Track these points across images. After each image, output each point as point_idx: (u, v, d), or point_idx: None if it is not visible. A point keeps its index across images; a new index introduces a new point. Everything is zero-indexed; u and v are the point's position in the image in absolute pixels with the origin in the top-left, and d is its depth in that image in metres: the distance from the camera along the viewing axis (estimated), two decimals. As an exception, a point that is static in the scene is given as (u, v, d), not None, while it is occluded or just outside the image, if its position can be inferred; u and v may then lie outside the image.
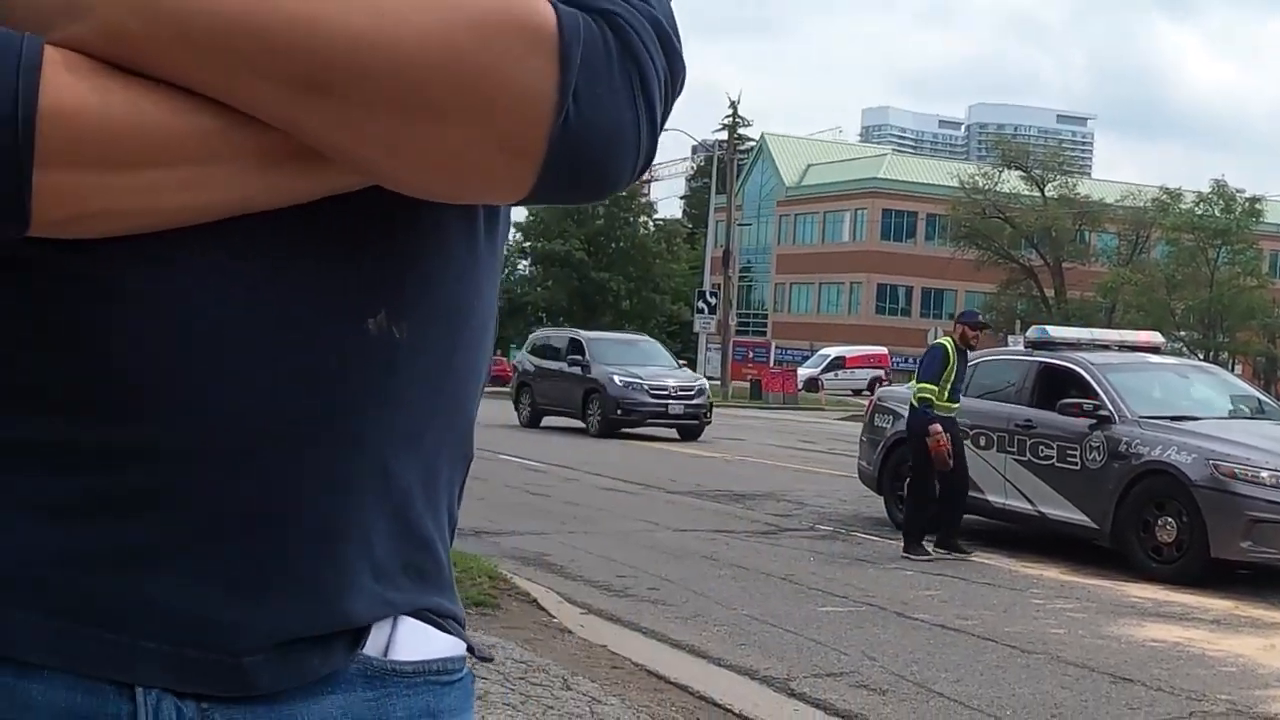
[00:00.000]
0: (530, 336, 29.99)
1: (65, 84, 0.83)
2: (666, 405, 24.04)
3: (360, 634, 1.04)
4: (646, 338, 29.41)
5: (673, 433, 24.42)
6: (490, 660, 1.15)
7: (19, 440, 0.92)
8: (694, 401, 24.34)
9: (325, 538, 0.99)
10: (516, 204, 0.99)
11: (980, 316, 12.73)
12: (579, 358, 24.93)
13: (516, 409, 26.61)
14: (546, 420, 25.96)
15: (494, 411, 23.65)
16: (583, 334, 27.09)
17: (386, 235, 0.98)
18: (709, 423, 24.90)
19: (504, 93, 0.87)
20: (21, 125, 0.81)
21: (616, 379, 24.07)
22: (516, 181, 0.91)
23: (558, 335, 28.02)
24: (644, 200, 67.67)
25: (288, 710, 1.00)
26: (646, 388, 24.00)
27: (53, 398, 0.92)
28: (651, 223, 68.33)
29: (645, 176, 1.17)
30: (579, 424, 24.83)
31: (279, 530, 0.97)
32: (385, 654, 1.05)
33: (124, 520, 0.93)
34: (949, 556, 11.12)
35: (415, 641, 1.07)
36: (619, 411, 23.95)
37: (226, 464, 0.94)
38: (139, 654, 0.95)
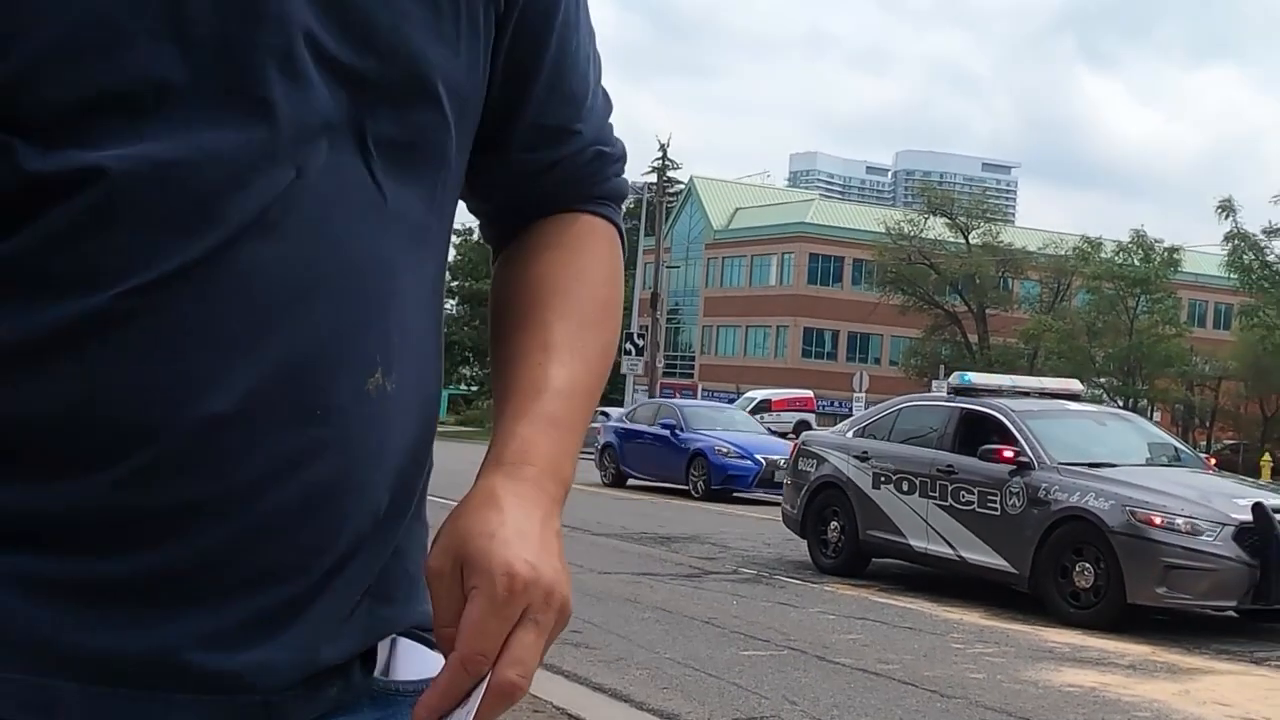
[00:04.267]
0: None
1: None
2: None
3: (369, 657, 1.07)
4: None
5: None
6: None
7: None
8: None
9: (339, 566, 1.01)
10: None
11: None
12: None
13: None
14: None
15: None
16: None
17: (388, 297, 1.03)
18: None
19: None
20: None
21: None
22: None
23: None
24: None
25: None
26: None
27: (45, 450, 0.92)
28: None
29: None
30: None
31: (312, 575, 0.99)
32: (387, 674, 1.09)
33: (146, 566, 0.94)
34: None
35: (413, 661, 1.11)
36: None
37: (246, 511, 0.96)
38: (168, 707, 0.95)
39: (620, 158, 1.26)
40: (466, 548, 0.98)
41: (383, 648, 1.09)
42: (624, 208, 1.29)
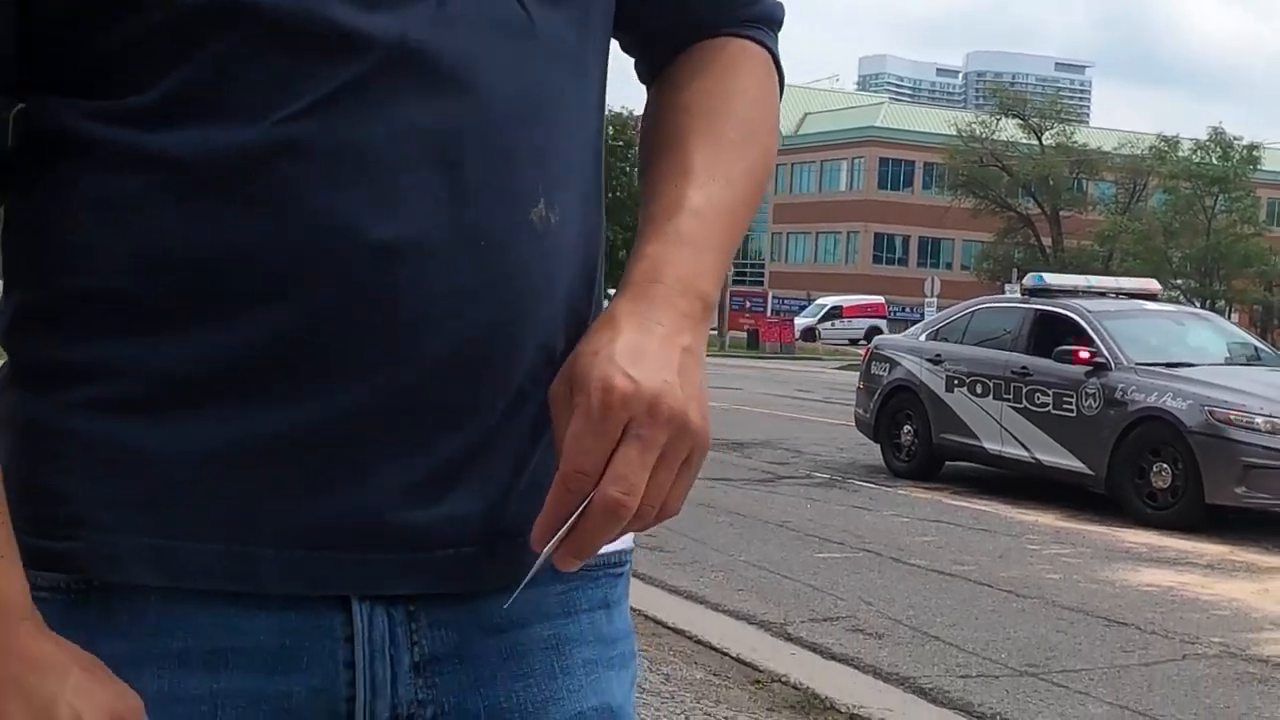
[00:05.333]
0: None
1: None
2: None
3: None
4: None
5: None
6: (630, 549, 1.18)
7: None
8: None
9: (515, 407, 1.00)
10: None
11: None
12: None
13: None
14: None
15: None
16: None
17: (545, 126, 1.01)
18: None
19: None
20: None
21: None
22: None
23: None
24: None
25: (490, 608, 1.02)
26: None
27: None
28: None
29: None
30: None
31: (488, 419, 0.98)
32: None
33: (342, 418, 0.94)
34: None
35: None
36: None
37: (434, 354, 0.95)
38: (366, 567, 0.96)
39: None
40: (574, 366, 0.95)
41: None
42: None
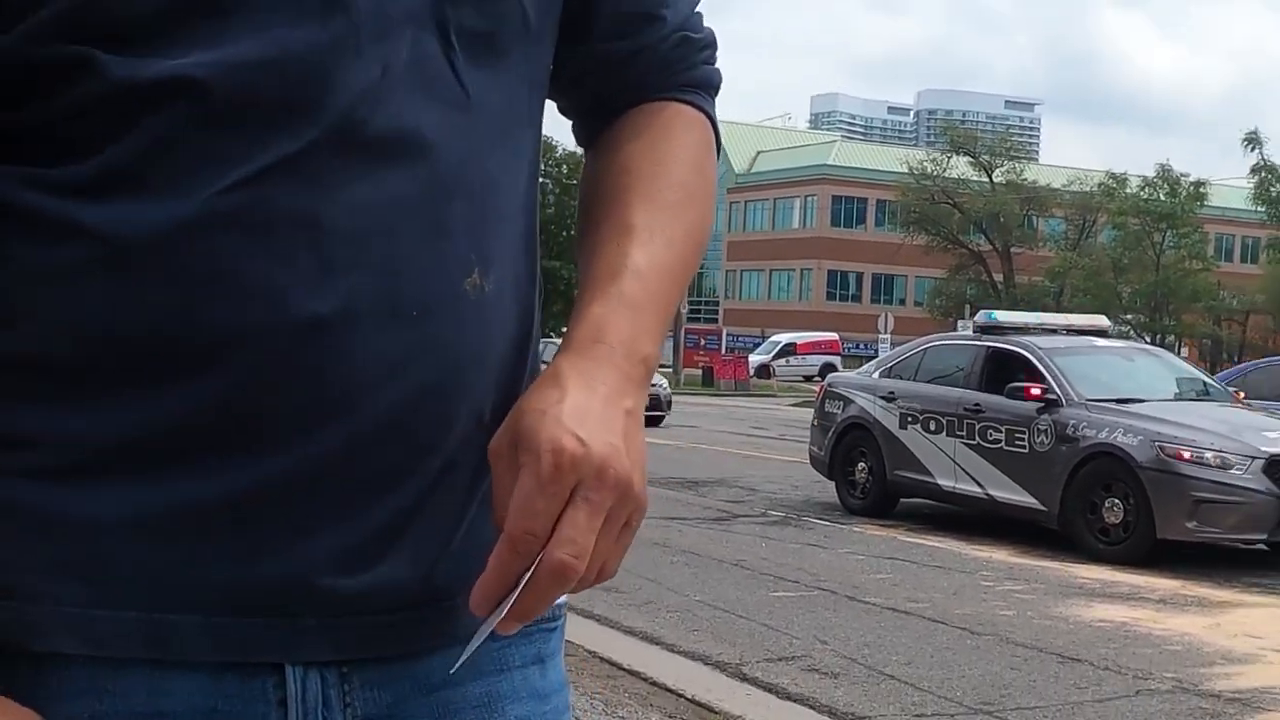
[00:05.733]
0: None
1: None
2: None
3: None
4: None
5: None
6: (565, 603, 1.18)
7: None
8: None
9: (448, 470, 1.00)
10: None
11: None
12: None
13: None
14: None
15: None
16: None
17: (480, 195, 1.02)
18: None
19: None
20: None
21: None
22: None
23: None
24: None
25: (423, 667, 1.02)
26: None
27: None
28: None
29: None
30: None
31: (420, 484, 0.98)
32: None
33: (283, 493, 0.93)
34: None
35: None
36: None
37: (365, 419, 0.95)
38: (296, 634, 0.96)
39: (708, 45, 1.23)
40: (519, 423, 0.94)
41: None
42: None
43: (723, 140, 1.26)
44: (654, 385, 24.20)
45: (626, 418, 0.97)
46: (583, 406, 0.94)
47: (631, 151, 1.15)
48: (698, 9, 1.23)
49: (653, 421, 24.49)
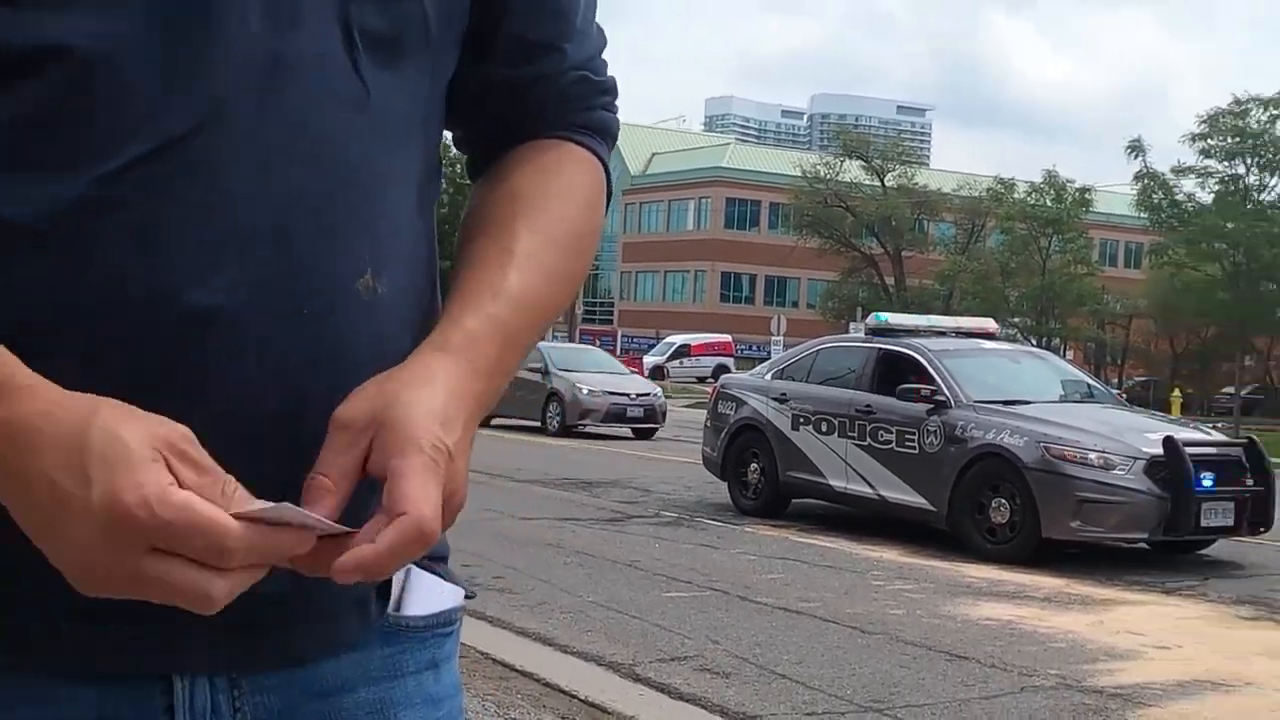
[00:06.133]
0: None
1: None
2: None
3: (384, 590, 1.06)
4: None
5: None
6: (474, 597, 1.17)
7: None
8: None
9: (360, 495, 0.97)
10: None
11: None
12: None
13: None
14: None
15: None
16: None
17: (375, 195, 1.01)
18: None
19: None
20: None
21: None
22: None
23: None
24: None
25: (314, 673, 1.02)
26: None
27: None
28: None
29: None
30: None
31: (299, 474, 0.95)
32: (399, 609, 1.08)
33: None
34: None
35: (426, 595, 1.10)
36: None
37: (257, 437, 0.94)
38: (179, 644, 0.95)
39: (608, 90, 1.22)
40: (392, 411, 0.91)
41: (396, 580, 1.07)
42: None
43: (618, 141, 1.26)
44: (650, 395, 23.98)
45: (465, 434, 0.96)
46: (453, 414, 0.94)
47: (523, 177, 1.14)
48: (603, 55, 1.23)
49: (646, 434, 24.14)
